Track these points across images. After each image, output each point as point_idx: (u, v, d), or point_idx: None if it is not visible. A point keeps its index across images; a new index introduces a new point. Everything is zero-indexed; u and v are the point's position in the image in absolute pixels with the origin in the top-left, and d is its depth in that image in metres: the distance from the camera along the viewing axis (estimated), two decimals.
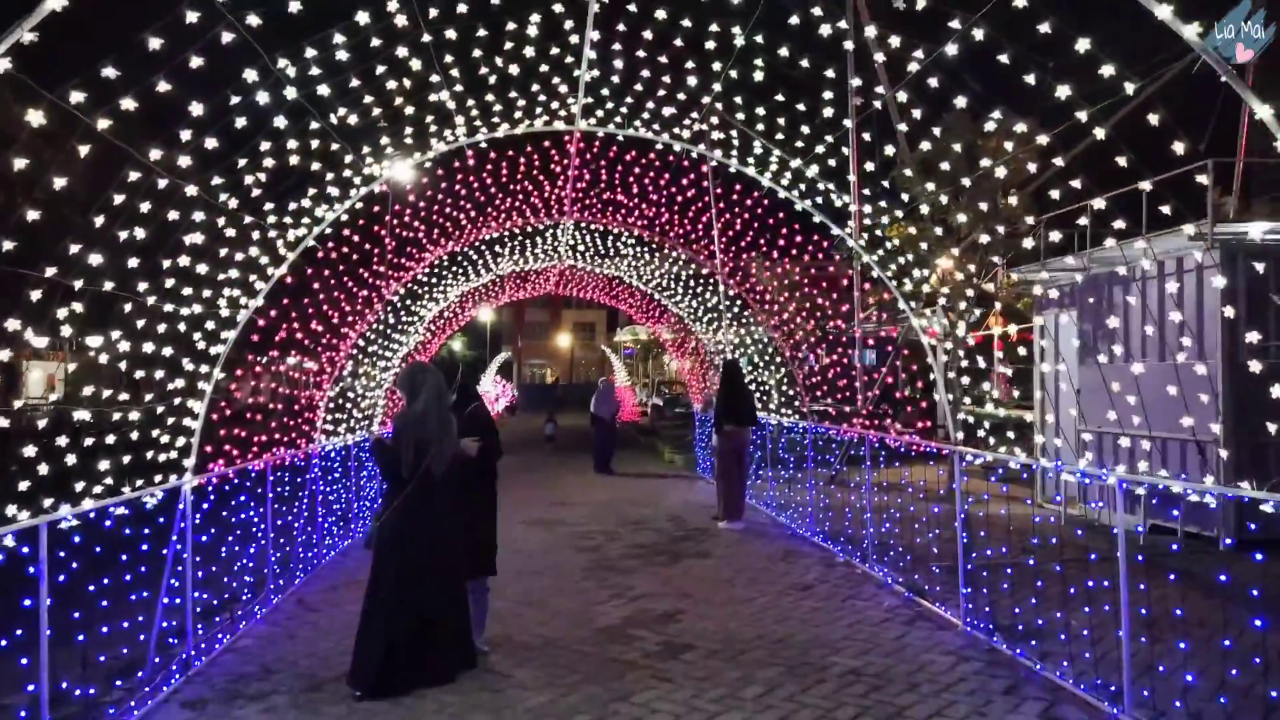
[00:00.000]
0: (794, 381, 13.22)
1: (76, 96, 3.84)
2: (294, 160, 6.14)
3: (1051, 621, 7.23)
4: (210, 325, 6.51)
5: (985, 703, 6.07)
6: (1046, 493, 13.71)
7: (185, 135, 4.87)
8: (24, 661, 5.10)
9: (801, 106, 7.00)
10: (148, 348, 5.62)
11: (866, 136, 7.24)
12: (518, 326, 76.20)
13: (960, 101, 6.60)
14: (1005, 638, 7.28)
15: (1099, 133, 6.22)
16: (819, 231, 10.00)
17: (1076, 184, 6.37)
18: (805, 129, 7.24)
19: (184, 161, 4.99)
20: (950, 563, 8.93)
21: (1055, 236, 6.52)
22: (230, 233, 6.15)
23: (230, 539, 8.49)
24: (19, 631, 5.08)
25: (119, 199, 4.64)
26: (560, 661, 7.02)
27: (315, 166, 6.59)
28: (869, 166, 7.36)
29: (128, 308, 5.18)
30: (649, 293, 17.22)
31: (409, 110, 6.72)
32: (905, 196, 10.78)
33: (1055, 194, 6.05)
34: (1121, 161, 5.77)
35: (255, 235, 6.55)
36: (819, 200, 7.95)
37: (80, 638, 5.79)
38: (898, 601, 8.72)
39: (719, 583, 9.59)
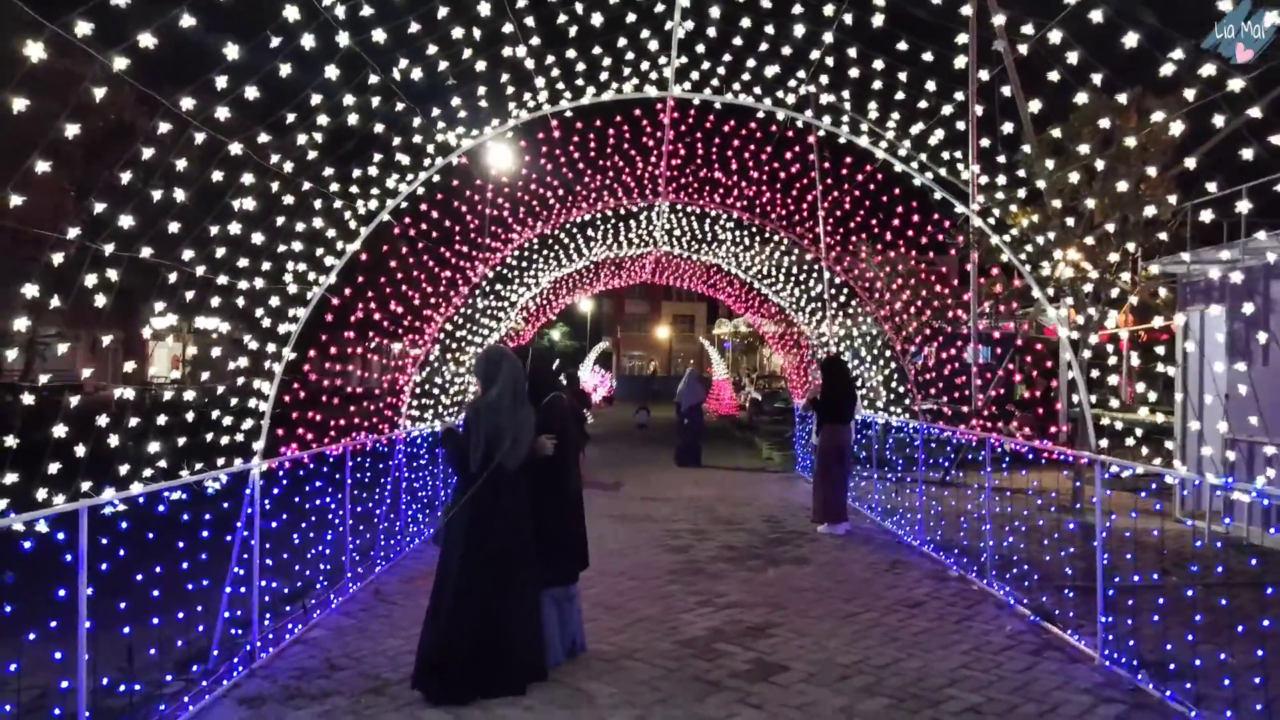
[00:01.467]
0: (904, 378, 12.26)
1: (83, 28, 3.40)
2: (352, 119, 5.65)
3: (1211, 662, 6.19)
4: (275, 301, 6.11)
5: None
6: (1194, 509, 12.35)
7: (221, 83, 4.42)
8: (58, 656, 4.77)
9: (928, 56, 6.09)
10: (202, 323, 5.23)
11: (1006, 90, 6.26)
12: (618, 318, 76.17)
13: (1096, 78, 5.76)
14: (1152, 676, 6.29)
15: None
16: (940, 210, 9.05)
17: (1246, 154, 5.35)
18: (930, 85, 6.34)
19: (222, 114, 4.55)
20: (1084, 584, 7.92)
21: (1243, 208, 5.45)
22: (288, 200, 5.72)
23: (304, 526, 8.18)
24: (53, 624, 4.74)
25: (148, 153, 4.23)
26: (639, 677, 6.39)
27: (379, 129, 6.11)
28: (1007, 128, 6.42)
29: (172, 278, 4.80)
30: (749, 281, 16.42)
31: (480, 66, 6.15)
32: (1044, 175, 9.64)
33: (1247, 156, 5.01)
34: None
35: (318, 204, 6.12)
36: (942, 172, 7.05)
37: (126, 630, 5.45)
38: (1022, 626, 7.77)
39: (817, 594, 8.80)
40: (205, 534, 6.31)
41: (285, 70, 4.75)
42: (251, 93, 4.59)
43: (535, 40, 6.25)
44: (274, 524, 7.40)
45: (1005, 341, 16.77)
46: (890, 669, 6.66)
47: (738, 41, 6.59)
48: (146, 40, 3.76)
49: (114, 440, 5.05)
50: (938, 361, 12.31)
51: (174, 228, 4.56)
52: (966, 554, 9.99)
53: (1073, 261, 12.28)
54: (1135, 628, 6.80)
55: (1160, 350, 6.89)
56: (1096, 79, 5.83)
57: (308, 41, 4.72)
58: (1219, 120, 5.10)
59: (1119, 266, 12.30)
